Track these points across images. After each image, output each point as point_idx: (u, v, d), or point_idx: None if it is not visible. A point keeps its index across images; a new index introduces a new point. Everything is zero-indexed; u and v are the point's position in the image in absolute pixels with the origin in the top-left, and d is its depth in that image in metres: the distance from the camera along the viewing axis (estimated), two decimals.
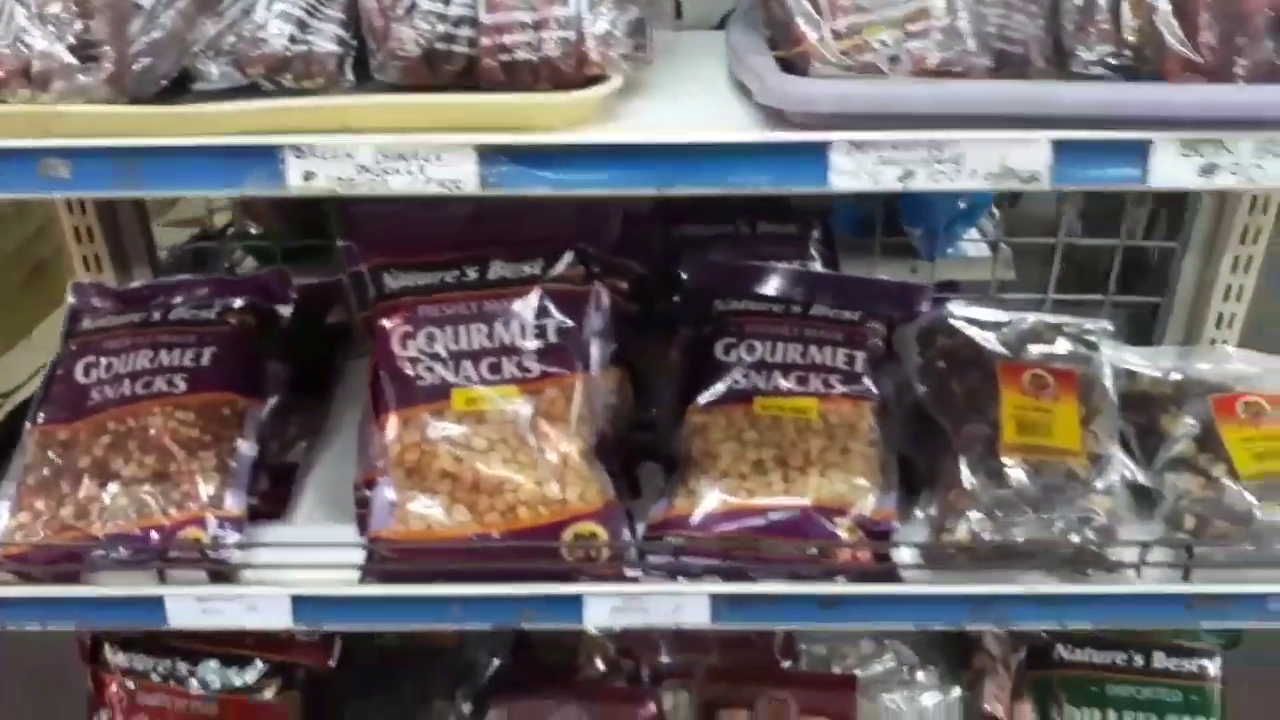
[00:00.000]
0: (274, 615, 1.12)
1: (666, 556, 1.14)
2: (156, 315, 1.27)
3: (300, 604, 1.12)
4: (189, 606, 1.13)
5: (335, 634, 1.45)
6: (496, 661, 1.52)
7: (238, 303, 1.28)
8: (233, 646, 1.32)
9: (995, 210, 1.67)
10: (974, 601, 1.12)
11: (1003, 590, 1.12)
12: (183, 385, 1.21)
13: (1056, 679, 1.39)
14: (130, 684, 1.29)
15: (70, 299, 1.33)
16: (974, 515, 1.14)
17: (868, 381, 1.23)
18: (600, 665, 1.54)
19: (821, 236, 1.47)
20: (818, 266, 1.42)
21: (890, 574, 1.14)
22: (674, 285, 1.36)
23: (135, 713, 1.29)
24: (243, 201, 1.72)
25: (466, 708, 1.42)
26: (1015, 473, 1.16)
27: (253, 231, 1.65)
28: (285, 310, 1.30)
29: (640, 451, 1.31)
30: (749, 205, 1.45)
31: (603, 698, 1.41)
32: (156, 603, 1.12)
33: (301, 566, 1.14)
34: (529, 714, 1.40)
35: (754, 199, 1.49)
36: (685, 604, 1.13)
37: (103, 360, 1.23)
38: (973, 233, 1.58)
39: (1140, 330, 1.60)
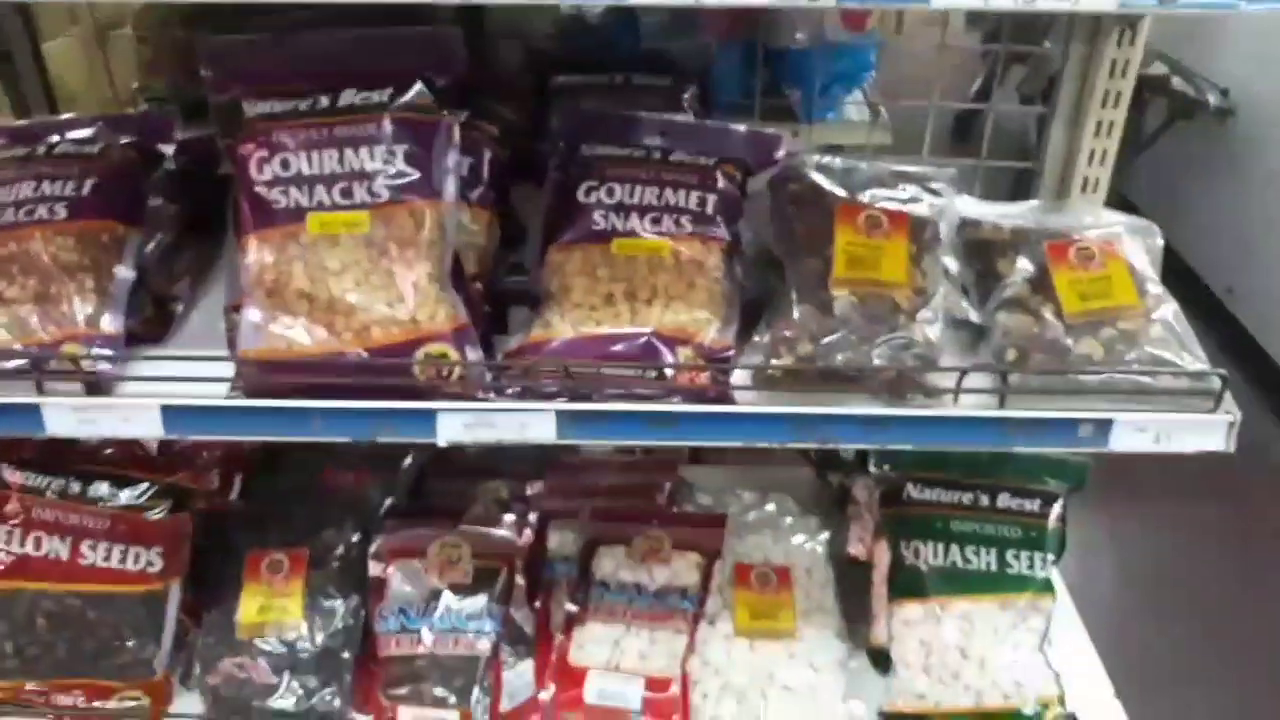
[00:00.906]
0: (145, 425, 1.20)
1: (517, 379, 1.23)
2: (41, 150, 1.33)
3: (170, 415, 1.20)
4: (66, 416, 1.20)
5: (233, 469, 1.54)
6: (390, 500, 1.61)
7: (121, 138, 1.35)
8: (127, 468, 1.40)
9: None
10: (798, 421, 1.20)
11: (825, 411, 1.20)
12: (64, 212, 1.27)
13: (907, 516, 1.48)
14: (27, 500, 1.37)
15: None
16: (802, 342, 1.22)
17: (718, 222, 1.30)
18: (491, 509, 1.63)
19: (698, 93, 1.52)
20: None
21: (723, 397, 1.22)
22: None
23: (31, 527, 1.37)
24: (149, 61, 1.78)
25: (355, 535, 1.51)
26: (841, 304, 1.23)
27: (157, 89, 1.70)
28: (168, 148, 1.37)
29: (513, 295, 1.38)
30: (626, 58, 1.49)
31: (485, 528, 1.50)
32: (34, 411, 1.20)
33: (174, 380, 1.22)
34: (411, 540, 1.49)
35: (633, 52, 1.55)
36: (532, 421, 1.21)
37: None
38: (856, 96, 1.62)
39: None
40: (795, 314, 1.23)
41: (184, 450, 1.49)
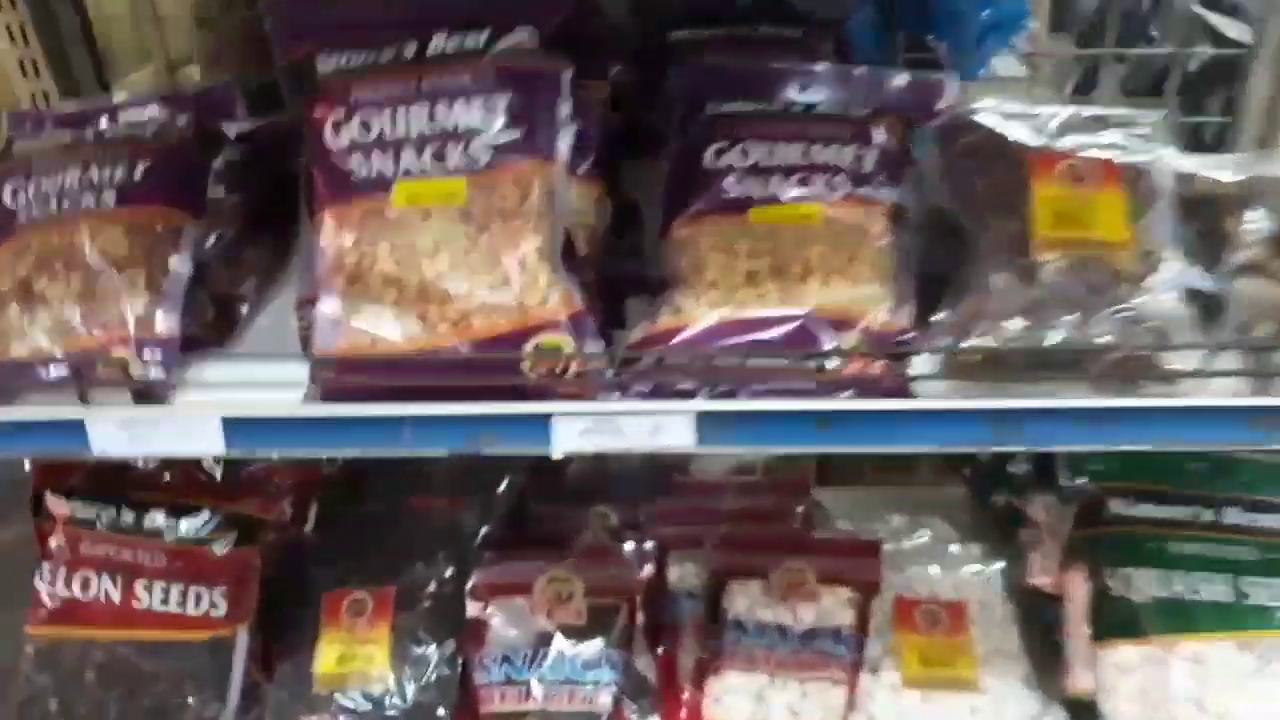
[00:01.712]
0: (205, 440, 1.01)
1: (646, 374, 1.01)
2: (90, 134, 1.17)
3: (233, 427, 1.01)
4: (113, 432, 1.02)
5: (307, 496, 1.35)
6: (485, 529, 1.40)
7: (179, 118, 1.17)
8: (188, 496, 1.22)
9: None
10: (999, 417, 0.96)
11: (1034, 404, 0.96)
12: (111, 200, 1.09)
13: (1112, 537, 1.22)
14: (74, 533, 1.19)
15: (5, 127, 1.24)
16: (1001, 320, 0.98)
17: (878, 182, 1.07)
18: (601, 536, 1.41)
19: (834, 46, 1.31)
20: None
21: (899, 391, 0.99)
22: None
23: (79, 565, 1.19)
24: (212, 51, 1.62)
25: (449, 570, 1.30)
26: (1049, 270, 0.99)
27: None
28: (232, 128, 1.19)
29: (629, 285, 1.17)
30: (750, 10, 1.29)
31: (597, 561, 1.29)
32: (77, 427, 1.02)
33: (238, 385, 1.03)
34: (514, 574, 1.27)
35: (757, 2, 1.34)
36: (666, 424, 0.99)
37: (31, 181, 1.13)
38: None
39: None
40: (992, 287, 0.99)
41: (252, 475, 1.29)
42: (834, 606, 1.30)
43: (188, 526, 1.20)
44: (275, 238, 1.27)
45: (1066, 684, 1.23)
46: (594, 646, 1.22)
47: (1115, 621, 1.18)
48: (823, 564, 1.33)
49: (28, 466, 1.22)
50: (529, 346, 0.98)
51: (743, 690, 1.25)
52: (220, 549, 1.20)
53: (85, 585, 1.19)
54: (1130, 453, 1.28)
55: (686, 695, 1.27)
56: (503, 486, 1.47)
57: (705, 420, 0.99)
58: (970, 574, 1.36)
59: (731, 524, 1.46)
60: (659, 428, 0.99)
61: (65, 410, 1.01)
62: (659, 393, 1.01)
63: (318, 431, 1.01)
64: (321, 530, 1.39)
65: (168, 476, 1.25)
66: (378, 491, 1.47)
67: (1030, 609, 1.32)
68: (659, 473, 1.63)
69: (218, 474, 1.27)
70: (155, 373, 1.03)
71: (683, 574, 1.41)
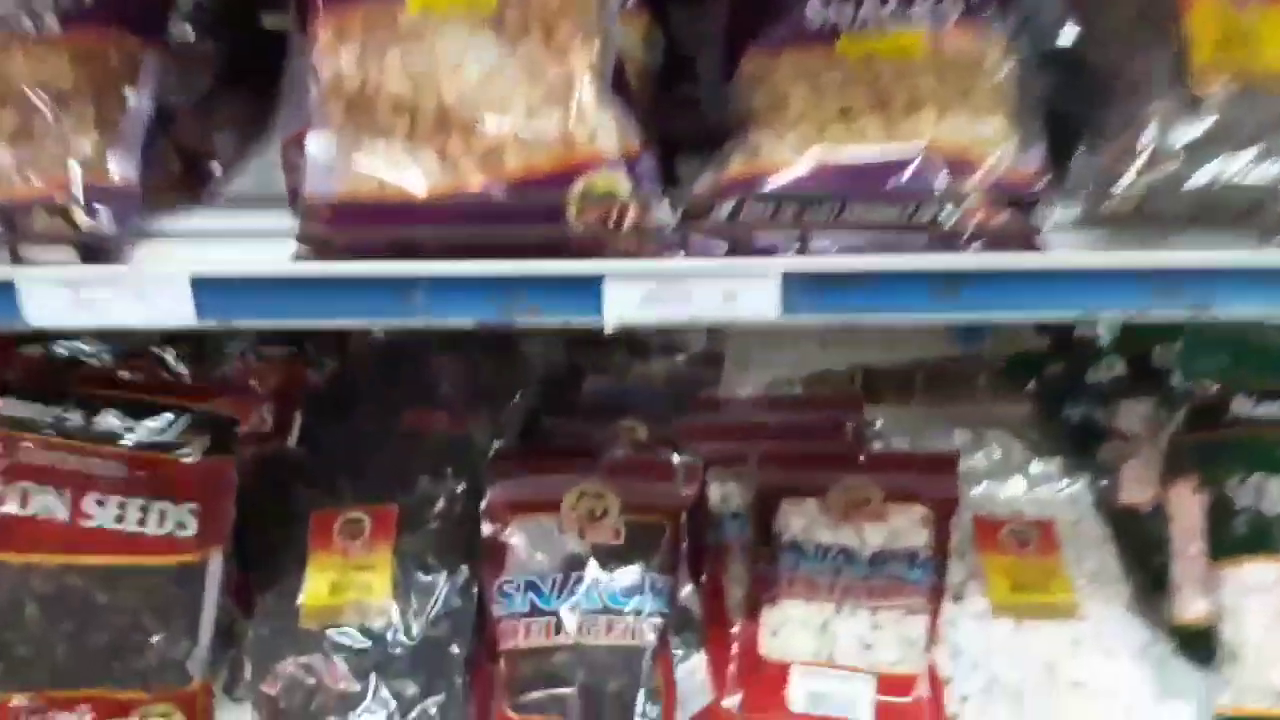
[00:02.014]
0: (169, 307, 0.81)
1: (719, 228, 0.82)
2: None
3: (205, 290, 0.80)
4: (52, 297, 0.82)
5: (290, 403, 1.15)
6: (498, 444, 1.21)
7: None
8: (149, 394, 1.01)
9: None
10: (1159, 278, 0.79)
11: (1202, 261, 0.79)
12: (55, 24, 0.89)
13: (1237, 442, 1.06)
14: (9, 437, 0.98)
15: None
16: (1157, 160, 0.81)
17: (993, 8, 0.90)
18: (630, 451, 1.23)
19: None
20: None
21: (1034, 245, 0.81)
22: None
23: (16, 475, 0.98)
24: None
25: (459, 486, 1.11)
26: (1215, 100, 0.82)
27: None
28: None
29: (681, 143, 0.98)
30: None
31: (634, 475, 1.10)
32: (8, 292, 0.82)
33: (211, 237, 0.83)
34: (537, 489, 1.09)
35: None
36: (743, 290, 0.81)
37: None
38: None
39: None
40: (1143, 123, 0.82)
41: (226, 376, 1.10)
42: (906, 526, 1.13)
43: (149, 429, 0.99)
44: (257, 98, 1.07)
45: (1175, 610, 1.08)
46: (634, 571, 1.04)
47: (1241, 537, 1.03)
48: (888, 480, 1.16)
49: None
50: (575, 189, 0.79)
51: (804, 621, 1.08)
52: (189, 456, 1.00)
53: (24, 500, 0.98)
54: (1245, 348, 1.14)
55: (737, 628, 1.10)
56: (515, 399, 1.29)
57: (793, 284, 0.80)
58: (1053, 491, 1.20)
59: (776, 440, 1.30)
60: (735, 293, 0.80)
61: None
62: (735, 250, 0.82)
63: (311, 296, 0.81)
64: (307, 444, 1.19)
65: (125, 375, 1.05)
66: (369, 405, 1.28)
67: (1123, 528, 1.16)
68: (686, 389, 1.46)
69: (184, 372, 1.07)
70: (106, 225, 0.83)
71: (724, 494, 1.23)
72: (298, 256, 0.81)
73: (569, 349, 1.44)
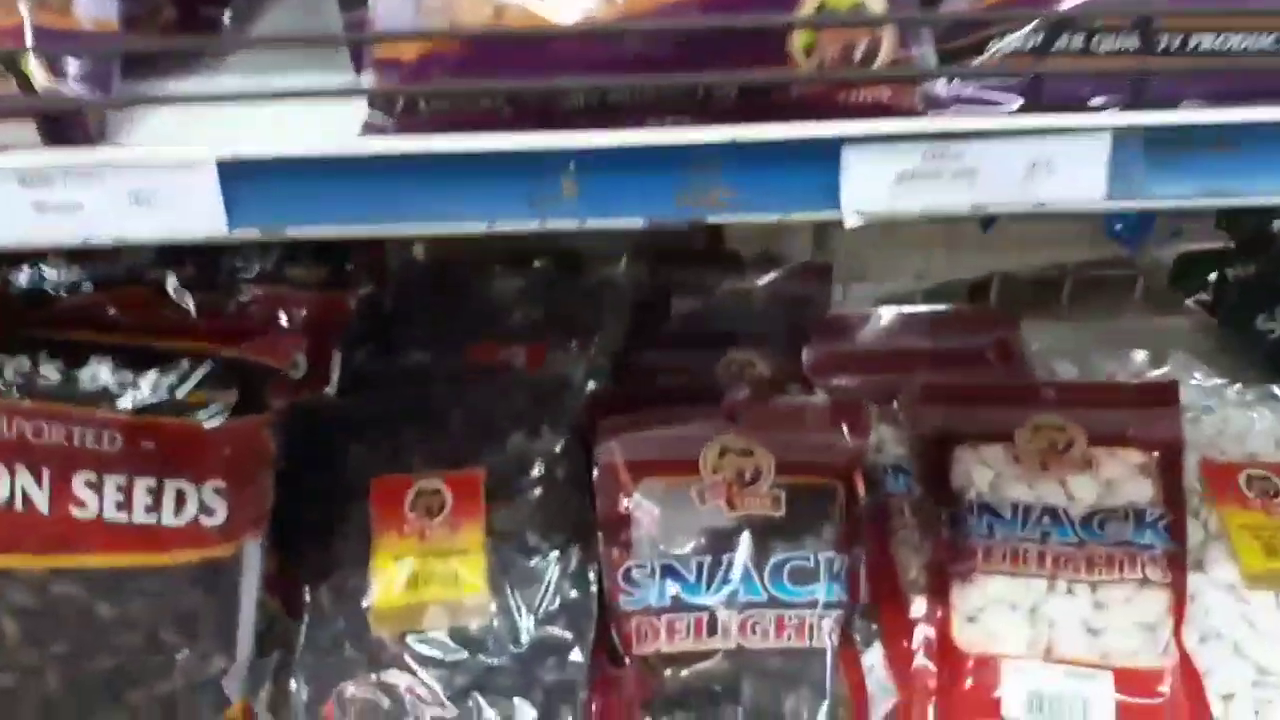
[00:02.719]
0: (186, 209, 0.55)
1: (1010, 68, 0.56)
2: None
3: (238, 182, 0.55)
4: (8, 200, 0.56)
5: (328, 339, 0.89)
6: (592, 384, 0.97)
7: None
8: (150, 336, 0.74)
9: None
10: None
11: None
12: None
13: None
14: None
15: None
16: None
17: None
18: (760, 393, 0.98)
19: None
20: None
21: None
22: None
23: None
24: None
25: (556, 443, 0.86)
26: None
27: None
28: None
29: None
30: None
31: (783, 423, 0.86)
32: None
33: (235, 100, 0.56)
34: (665, 445, 0.84)
35: None
36: (1055, 156, 0.55)
37: None
38: None
39: None
40: None
41: (244, 307, 0.84)
42: (1123, 476, 0.90)
43: (155, 384, 0.72)
44: None
45: None
46: (805, 549, 0.81)
47: None
48: (1090, 418, 0.93)
49: None
50: (805, 5, 0.53)
51: (1010, 602, 0.84)
52: (212, 418, 0.74)
53: None
54: None
55: (922, 612, 0.87)
56: (603, 328, 1.03)
57: (1127, 147, 0.55)
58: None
59: (928, 371, 1.06)
60: (1042, 165, 0.55)
61: None
62: (1032, 100, 0.57)
63: (392, 186, 0.54)
64: (352, 392, 0.94)
65: (110, 308, 0.78)
66: (422, 342, 1.02)
67: None
68: (791, 309, 1.21)
69: (190, 305, 0.81)
70: (80, 85, 0.56)
71: (876, 441, 1.00)
72: (370, 129, 0.55)
73: (649, 265, 1.18)
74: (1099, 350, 1.16)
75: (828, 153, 0.53)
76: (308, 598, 0.83)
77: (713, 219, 0.54)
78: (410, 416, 0.87)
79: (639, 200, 0.55)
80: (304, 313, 0.85)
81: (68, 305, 0.76)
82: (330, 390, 0.92)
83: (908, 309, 1.15)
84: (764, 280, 1.19)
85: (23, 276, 0.79)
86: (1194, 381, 1.05)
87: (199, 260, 0.84)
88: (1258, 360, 1.13)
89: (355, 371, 0.94)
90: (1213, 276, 1.22)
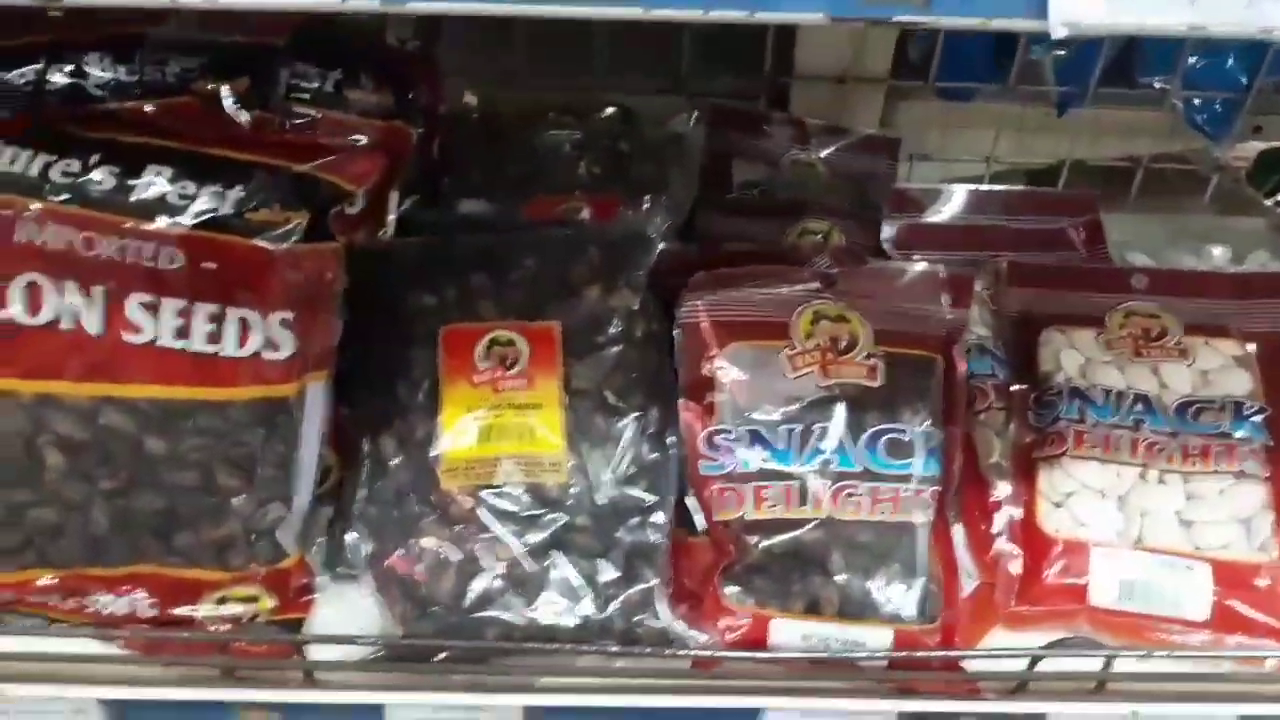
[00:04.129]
0: None
1: None
2: None
3: None
4: None
5: (391, 174, 0.81)
6: (661, 246, 0.90)
7: None
8: (212, 144, 0.66)
9: None
10: None
11: None
12: None
13: None
14: (6, 207, 0.64)
15: None
16: None
17: None
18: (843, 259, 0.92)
19: None
20: None
21: None
22: None
23: (20, 264, 0.62)
24: None
25: (633, 300, 0.80)
26: None
27: None
28: None
29: None
30: None
31: (882, 289, 0.80)
32: None
33: None
34: (751, 308, 0.78)
35: None
36: None
37: None
38: None
39: None
40: None
41: (303, 129, 0.76)
42: (1220, 367, 0.86)
43: (222, 197, 0.65)
44: None
45: None
46: (902, 422, 0.76)
47: None
48: (1184, 305, 0.89)
49: None
50: None
51: (1099, 489, 0.82)
52: (282, 240, 0.67)
53: (32, 301, 0.64)
54: None
55: (1003, 495, 0.84)
56: (671, 184, 0.97)
57: None
58: None
59: (1009, 251, 1.01)
60: None
61: None
62: None
63: None
64: (411, 234, 0.87)
65: (149, 107, 0.69)
66: (481, 187, 0.95)
67: None
68: (857, 182, 1.15)
69: (245, 120, 0.73)
70: None
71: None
72: None
73: (707, 128, 1.11)
74: (1172, 244, 1.12)
75: None
76: (366, 448, 0.77)
77: (904, 19, 0.48)
78: (478, 264, 0.80)
79: None
80: (364, 140, 0.78)
81: (114, 109, 0.68)
82: (385, 233, 0.86)
83: (984, 187, 1.10)
84: (829, 150, 1.13)
85: (59, 75, 0.70)
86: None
87: (252, 73, 0.76)
88: None
89: (402, 218, 0.87)
90: None
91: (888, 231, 1.02)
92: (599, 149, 1.00)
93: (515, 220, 0.92)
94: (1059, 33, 0.48)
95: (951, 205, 1.07)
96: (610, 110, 1.02)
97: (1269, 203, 1.17)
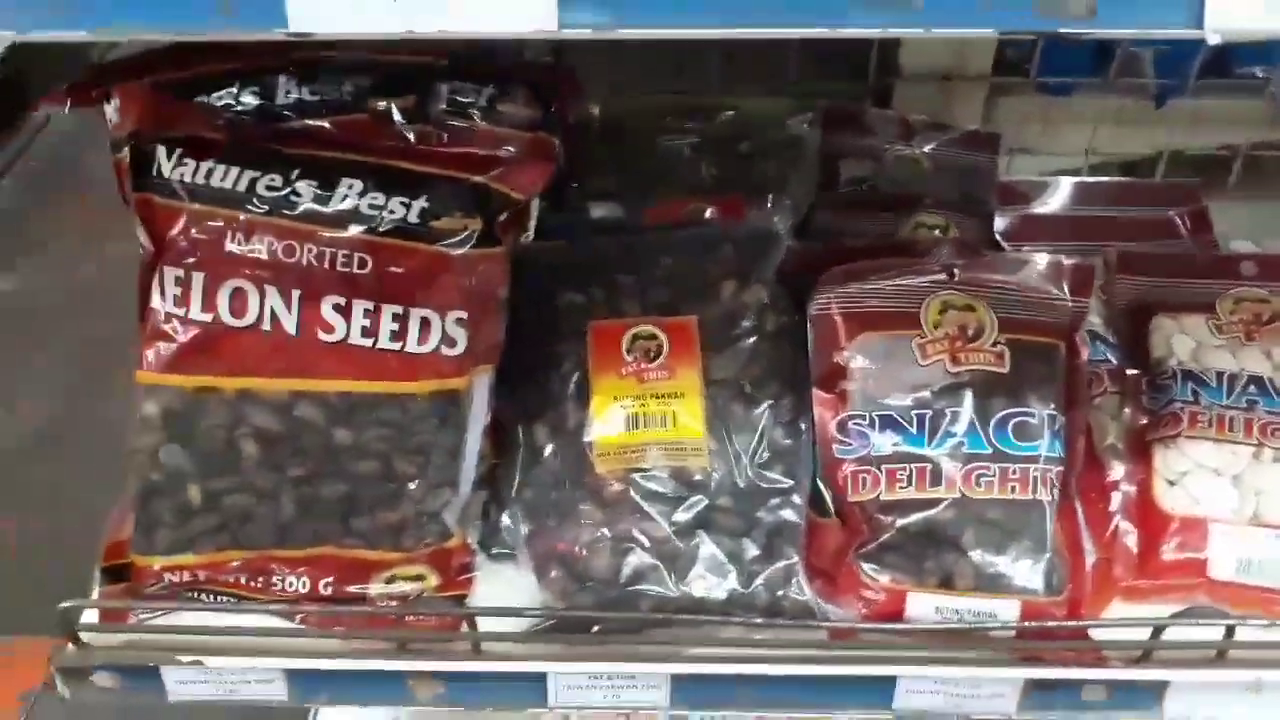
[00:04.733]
0: (516, 6, 0.53)
1: None
2: None
3: None
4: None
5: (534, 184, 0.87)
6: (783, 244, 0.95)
7: None
8: (392, 157, 0.73)
9: None
10: None
11: None
12: None
13: None
14: (208, 218, 0.70)
15: None
16: None
17: None
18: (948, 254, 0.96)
19: None
20: None
21: None
22: None
23: (226, 270, 0.70)
24: None
25: (761, 294, 0.85)
26: None
27: None
28: None
29: None
30: None
31: (1005, 279, 0.83)
32: None
33: None
34: (882, 300, 0.82)
35: None
36: None
37: None
38: None
39: None
40: None
41: (463, 141, 0.82)
42: None
43: (408, 206, 0.72)
44: None
45: None
46: (1029, 405, 0.80)
47: None
48: None
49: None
50: None
51: (1214, 468, 0.85)
52: (459, 246, 0.74)
53: (237, 305, 0.72)
54: None
55: (1121, 474, 0.88)
56: (790, 184, 1.02)
57: None
58: None
59: (1118, 240, 1.04)
60: None
61: None
62: None
63: None
64: (547, 240, 0.93)
65: (324, 123, 0.75)
66: (609, 190, 1.01)
67: None
68: (960, 175, 1.19)
69: (411, 135, 0.79)
70: None
71: None
72: None
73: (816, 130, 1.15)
74: (1275, 232, 1.14)
75: None
76: (522, 437, 0.84)
77: (1070, 30, 0.52)
78: (620, 264, 0.87)
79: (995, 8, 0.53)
80: (514, 151, 0.84)
81: (303, 126, 0.75)
82: (527, 237, 0.92)
83: (1089, 179, 1.13)
84: (931, 146, 1.17)
85: (250, 97, 0.77)
86: None
87: (415, 90, 0.83)
88: None
89: (551, 218, 0.93)
90: None
91: (999, 224, 1.05)
92: (718, 151, 1.05)
93: (640, 222, 0.98)
94: (1213, 39, 0.52)
95: (1058, 197, 1.11)
96: (727, 113, 1.07)
97: None
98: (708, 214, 0.97)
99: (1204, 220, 1.07)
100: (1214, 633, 0.77)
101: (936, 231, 1.02)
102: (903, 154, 1.18)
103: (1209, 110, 1.23)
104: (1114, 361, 0.92)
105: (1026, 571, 0.77)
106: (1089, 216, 1.07)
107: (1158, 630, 0.77)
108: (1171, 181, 1.15)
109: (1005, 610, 0.77)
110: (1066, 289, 0.85)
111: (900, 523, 0.79)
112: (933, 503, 0.78)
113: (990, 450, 0.79)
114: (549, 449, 0.82)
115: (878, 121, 1.19)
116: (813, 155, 1.04)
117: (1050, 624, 0.76)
